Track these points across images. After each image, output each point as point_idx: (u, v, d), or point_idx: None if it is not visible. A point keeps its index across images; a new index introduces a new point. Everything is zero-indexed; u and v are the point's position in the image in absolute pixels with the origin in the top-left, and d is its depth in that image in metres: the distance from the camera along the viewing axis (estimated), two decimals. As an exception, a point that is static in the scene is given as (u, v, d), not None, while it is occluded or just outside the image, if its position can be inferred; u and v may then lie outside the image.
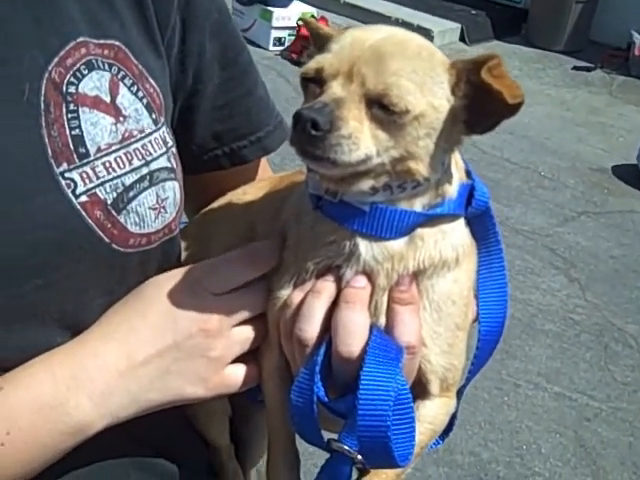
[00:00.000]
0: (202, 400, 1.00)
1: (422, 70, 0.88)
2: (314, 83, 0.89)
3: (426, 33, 9.38)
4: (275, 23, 8.51)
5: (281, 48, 8.63)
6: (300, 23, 8.42)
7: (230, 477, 1.27)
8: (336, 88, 0.86)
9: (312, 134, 0.82)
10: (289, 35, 8.63)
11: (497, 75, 0.85)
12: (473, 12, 10.24)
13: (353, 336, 0.92)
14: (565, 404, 4.15)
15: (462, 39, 9.80)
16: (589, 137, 7.58)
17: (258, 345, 1.03)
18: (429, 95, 0.87)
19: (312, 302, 0.95)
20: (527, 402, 4.12)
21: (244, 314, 1.00)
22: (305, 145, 0.84)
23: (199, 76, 1.15)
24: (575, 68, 9.37)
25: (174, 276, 1.00)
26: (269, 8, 8.53)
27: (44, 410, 0.90)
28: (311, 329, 0.94)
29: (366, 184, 0.89)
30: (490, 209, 1.02)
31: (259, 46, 8.54)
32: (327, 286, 0.95)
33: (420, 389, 1.00)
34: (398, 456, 0.91)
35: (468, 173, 1.01)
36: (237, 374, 1.00)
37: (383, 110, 0.85)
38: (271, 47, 8.56)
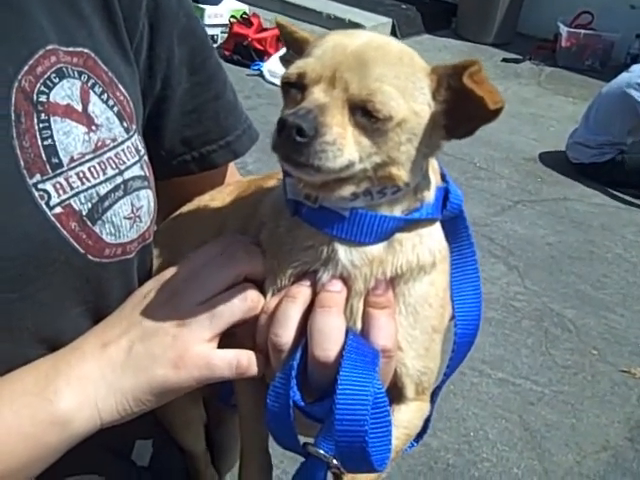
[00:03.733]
0: (178, 388, 0.95)
1: (404, 75, 0.87)
2: (295, 88, 0.88)
3: (358, 28, 9.44)
4: (207, 21, 8.44)
5: (214, 46, 8.54)
6: (233, 20, 8.37)
7: None
8: (319, 94, 0.85)
9: (297, 140, 0.81)
10: (222, 32, 8.59)
11: (478, 81, 0.85)
12: (403, 7, 10.34)
13: (329, 340, 0.91)
14: (509, 390, 4.23)
15: (394, 33, 9.88)
16: (521, 127, 7.73)
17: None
18: (411, 101, 0.87)
19: (287, 307, 0.94)
20: (473, 389, 4.19)
21: (223, 321, 0.96)
22: (289, 151, 0.83)
23: (168, 82, 1.14)
24: (504, 60, 9.55)
25: (153, 290, 0.99)
26: (200, 6, 8.45)
27: (25, 397, 0.89)
28: (286, 334, 0.93)
29: (347, 190, 0.88)
30: (463, 212, 1.02)
31: (191, 44, 8.46)
32: (302, 290, 0.94)
33: (395, 393, 0.99)
34: (375, 460, 0.91)
35: (443, 176, 1.01)
36: (206, 353, 0.94)
37: (366, 116, 0.84)
38: (204, 45, 8.49)
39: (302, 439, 0.99)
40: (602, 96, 6.70)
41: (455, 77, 0.87)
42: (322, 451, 0.94)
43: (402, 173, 0.89)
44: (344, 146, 0.83)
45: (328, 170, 0.84)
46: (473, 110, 0.86)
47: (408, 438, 1.02)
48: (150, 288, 0.99)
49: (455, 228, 1.02)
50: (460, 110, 0.88)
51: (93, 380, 0.92)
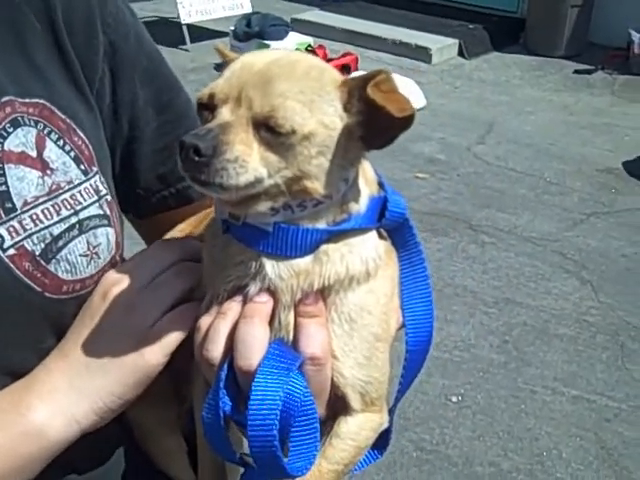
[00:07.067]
0: (148, 370, 1.00)
1: (310, 89, 0.88)
2: (207, 110, 0.91)
3: (424, 51, 9.47)
4: (273, 56, 8.59)
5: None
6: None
7: None
8: (225, 113, 0.87)
9: (196, 160, 0.84)
10: (288, 66, 8.72)
11: (385, 90, 0.86)
12: (470, 26, 10.29)
13: (251, 350, 0.93)
14: (584, 406, 4.12)
15: (461, 54, 9.85)
16: (594, 139, 7.56)
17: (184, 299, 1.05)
18: (319, 114, 0.88)
19: (217, 323, 0.97)
20: (545, 408, 4.10)
21: (165, 300, 1.03)
22: (193, 171, 0.86)
23: (134, 123, 1.19)
24: (576, 72, 9.37)
25: (103, 294, 1.04)
26: (266, 42, 8.64)
27: (0, 415, 0.95)
28: (215, 349, 0.95)
29: (263, 205, 0.90)
30: (408, 220, 1.02)
31: (259, 80, 8.61)
32: (233, 306, 0.97)
33: (342, 405, 1.00)
34: (291, 467, 0.92)
35: (381, 185, 1.01)
36: (163, 329, 1.00)
37: (270, 132, 0.85)
38: (271, 80, 8.61)
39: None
40: None
41: (364, 88, 0.87)
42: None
43: (317, 186, 0.90)
44: (248, 163, 0.85)
45: (232, 187, 0.85)
46: (383, 120, 0.86)
47: (358, 450, 1.02)
48: (102, 293, 1.04)
49: (402, 237, 1.04)
50: (373, 121, 0.89)
51: (62, 390, 0.98)
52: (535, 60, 9.80)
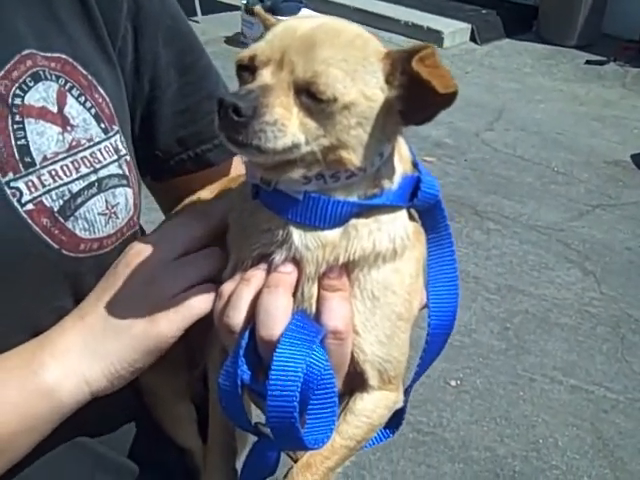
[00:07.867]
0: (161, 340, 0.99)
1: (354, 58, 0.86)
2: (247, 71, 0.89)
3: (436, 35, 9.40)
4: (284, 32, 8.53)
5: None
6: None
7: None
8: (266, 76, 0.86)
9: (235, 120, 0.82)
10: (299, 43, 8.67)
11: (430, 65, 0.84)
12: (483, 11, 10.23)
13: (273, 319, 0.92)
14: (582, 397, 4.13)
15: (473, 39, 9.79)
16: (603, 131, 7.52)
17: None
18: (361, 84, 0.86)
19: (240, 290, 0.96)
20: (543, 396, 4.11)
21: (189, 278, 1.02)
22: (230, 131, 0.84)
23: (156, 83, 1.17)
24: (588, 62, 9.31)
25: (124, 266, 1.03)
26: (278, 17, 8.53)
27: (13, 371, 0.94)
28: (237, 315, 0.95)
29: (297, 173, 0.89)
30: (440, 202, 1.01)
31: (270, 56, 8.58)
32: (257, 274, 0.96)
33: (359, 381, 0.99)
34: (308, 440, 0.91)
35: (415, 165, 1.00)
36: (183, 302, 1.00)
37: (311, 98, 0.84)
38: (282, 56, 8.58)
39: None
40: None
41: (408, 61, 0.86)
42: (269, 430, 0.94)
43: (353, 157, 0.88)
44: (287, 127, 0.84)
45: (269, 150, 0.84)
46: (426, 95, 0.85)
47: (371, 428, 1.02)
48: (126, 261, 1.04)
49: (433, 219, 1.03)
50: (415, 95, 0.87)
51: (76, 350, 0.97)
52: (547, 49, 9.74)
